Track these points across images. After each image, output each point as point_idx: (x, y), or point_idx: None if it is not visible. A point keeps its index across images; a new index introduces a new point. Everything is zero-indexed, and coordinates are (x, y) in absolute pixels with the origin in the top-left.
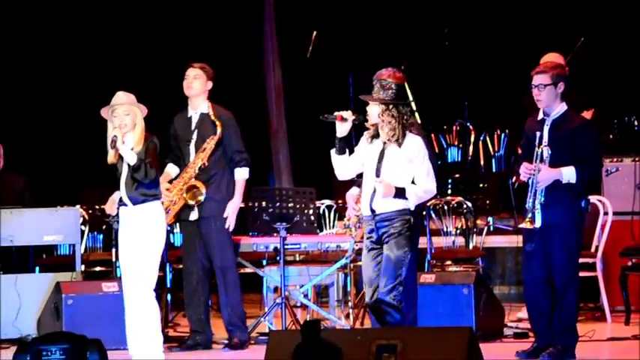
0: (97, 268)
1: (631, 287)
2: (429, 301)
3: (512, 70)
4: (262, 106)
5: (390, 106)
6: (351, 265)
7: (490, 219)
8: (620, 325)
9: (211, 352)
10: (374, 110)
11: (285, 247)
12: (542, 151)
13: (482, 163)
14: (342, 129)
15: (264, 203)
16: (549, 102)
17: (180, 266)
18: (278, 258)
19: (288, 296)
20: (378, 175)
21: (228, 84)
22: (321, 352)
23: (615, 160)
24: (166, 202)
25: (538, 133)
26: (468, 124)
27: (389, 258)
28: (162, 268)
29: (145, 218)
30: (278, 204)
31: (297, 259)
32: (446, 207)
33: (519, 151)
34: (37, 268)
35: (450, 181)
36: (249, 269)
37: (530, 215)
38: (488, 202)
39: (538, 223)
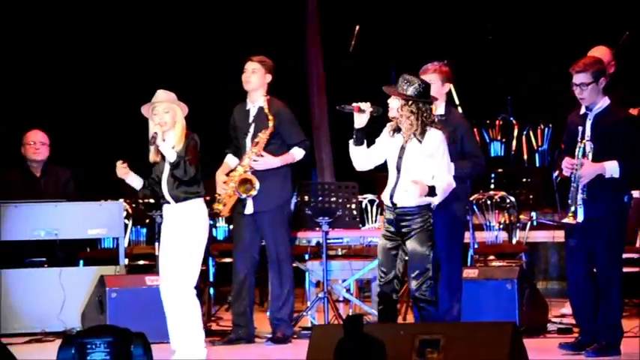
0: (141, 262)
1: None
2: (472, 296)
3: (556, 64)
4: (305, 103)
5: (410, 102)
6: None
7: (533, 214)
8: None
9: (254, 346)
10: (394, 104)
11: (328, 241)
12: (584, 145)
13: (525, 157)
14: (360, 120)
15: (306, 198)
16: (592, 99)
17: (223, 260)
18: (320, 252)
19: (330, 291)
20: (399, 171)
21: (271, 81)
22: (363, 346)
23: None
24: (224, 195)
25: (580, 128)
26: (512, 118)
27: (414, 253)
28: (204, 262)
29: (187, 216)
30: (320, 198)
31: (340, 253)
32: (489, 202)
33: (562, 146)
34: (82, 262)
35: (493, 175)
36: (292, 264)
37: (572, 210)
38: (531, 196)
39: (580, 218)
